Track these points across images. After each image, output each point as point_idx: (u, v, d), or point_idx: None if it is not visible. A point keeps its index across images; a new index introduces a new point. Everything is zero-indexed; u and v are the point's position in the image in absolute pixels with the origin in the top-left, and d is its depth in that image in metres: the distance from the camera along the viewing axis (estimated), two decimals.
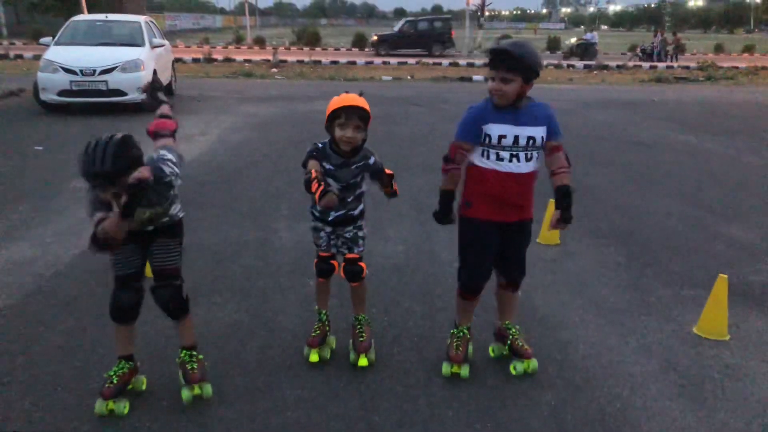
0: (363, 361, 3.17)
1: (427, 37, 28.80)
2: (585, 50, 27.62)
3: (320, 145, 2.95)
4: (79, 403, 2.81)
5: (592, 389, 3.03)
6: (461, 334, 3.18)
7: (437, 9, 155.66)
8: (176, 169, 2.67)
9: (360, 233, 3.15)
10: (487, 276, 3.08)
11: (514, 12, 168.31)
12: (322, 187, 2.65)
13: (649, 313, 3.83)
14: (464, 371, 3.09)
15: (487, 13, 42.92)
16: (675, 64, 25.49)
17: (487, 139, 2.81)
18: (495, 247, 2.99)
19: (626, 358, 3.32)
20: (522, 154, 2.81)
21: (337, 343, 3.34)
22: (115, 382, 2.74)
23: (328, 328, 3.28)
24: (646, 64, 25.46)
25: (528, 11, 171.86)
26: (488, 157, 2.83)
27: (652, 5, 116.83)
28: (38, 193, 6.06)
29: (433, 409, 2.85)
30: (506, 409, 2.87)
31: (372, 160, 2.97)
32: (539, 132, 2.80)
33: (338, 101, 2.83)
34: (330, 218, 3.06)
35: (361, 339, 3.20)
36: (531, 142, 2.80)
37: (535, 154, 2.84)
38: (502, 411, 2.85)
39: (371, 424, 2.74)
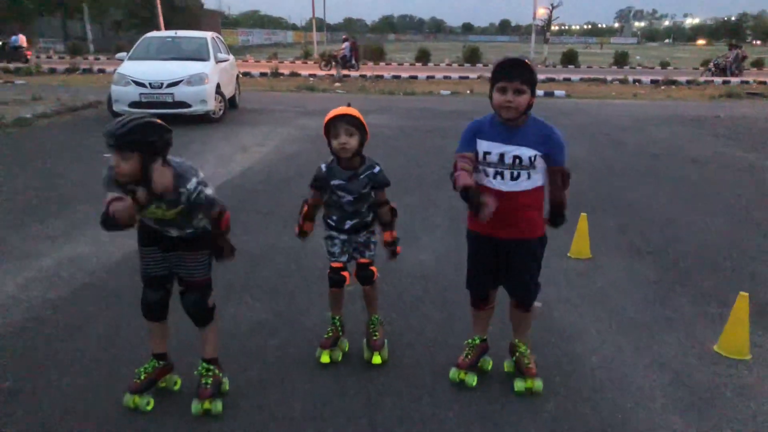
0: (377, 359, 3.33)
1: None
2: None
3: (323, 169, 3.14)
4: (110, 387, 3.08)
5: (596, 400, 3.06)
6: (473, 343, 3.24)
7: (505, 23, 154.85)
8: (193, 194, 2.64)
9: (372, 238, 3.31)
10: (484, 286, 3.13)
11: (585, 26, 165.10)
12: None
13: (670, 329, 3.80)
14: (470, 379, 3.13)
15: (554, 27, 42.45)
16: (751, 80, 24.43)
17: (476, 155, 2.86)
18: (490, 260, 3.03)
19: (637, 371, 3.32)
20: (507, 173, 2.81)
21: (351, 345, 3.49)
22: (142, 378, 2.93)
23: (341, 332, 3.43)
24: (718, 80, 24.52)
25: (599, 25, 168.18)
26: (477, 171, 2.88)
27: (732, 18, 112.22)
28: (100, 197, 6.49)
29: (434, 410, 2.96)
30: (507, 414, 2.94)
31: (377, 170, 3.11)
32: (527, 153, 2.78)
33: (328, 115, 3.01)
34: (346, 227, 3.23)
35: (375, 337, 3.37)
36: (517, 161, 2.79)
37: (524, 173, 2.80)
38: (501, 416, 2.92)
39: (372, 421, 2.88)
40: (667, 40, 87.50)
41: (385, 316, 3.67)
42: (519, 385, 3.10)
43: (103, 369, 3.25)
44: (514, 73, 2.73)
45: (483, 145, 2.84)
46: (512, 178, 2.82)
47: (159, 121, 2.62)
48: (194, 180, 2.67)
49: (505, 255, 2.98)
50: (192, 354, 3.11)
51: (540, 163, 2.82)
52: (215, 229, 2.80)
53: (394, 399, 3.03)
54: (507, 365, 3.30)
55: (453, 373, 3.18)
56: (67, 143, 9.74)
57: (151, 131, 2.57)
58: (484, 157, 2.84)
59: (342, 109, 3.03)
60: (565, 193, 2.93)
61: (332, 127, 3.01)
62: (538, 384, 3.09)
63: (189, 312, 2.95)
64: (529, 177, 2.82)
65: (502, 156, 2.80)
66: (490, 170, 2.85)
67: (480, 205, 2.61)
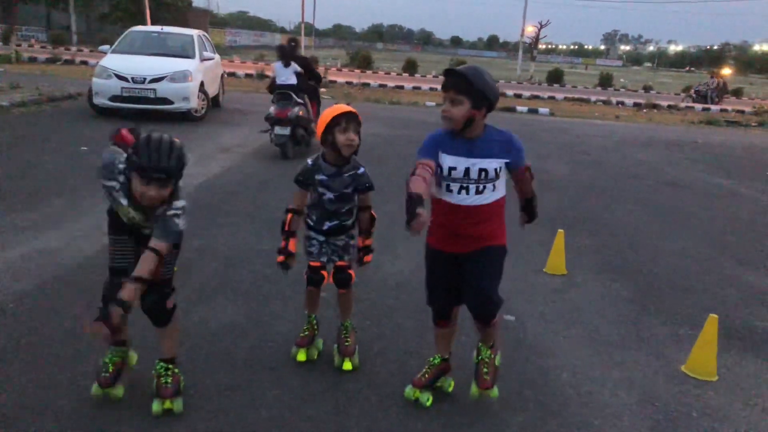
0: (347, 365, 3.31)
1: None
2: None
3: (310, 163, 3.13)
4: (71, 382, 3.01)
5: (564, 415, 3.06)
6: (433, 362, 3.17)
7: (493, 39, 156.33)
8: (169, 212, 2.62)
9: (351, 242, 3.29)
10: (443, 303, 3.05)
11: (572, 47, 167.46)
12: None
13: (640, 348, 3.83)
14: (424, 398, 3.05)
15: (541, 46, 43.01)
16: (729, 108, 24.89)
17: (439, 170, 2.73)
18: (449, 276, 2.94)
19: (606, 389, 3.33)
20: (472, 187, 2.74)
21: (324, 347, 3.47)
22: (111, 370, 2.88)
23: (316, 330, 3.44)
24: (699, 106, 24.95)
25: (585, 47, 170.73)
26: (440, 186, 2.80)
27: (715, 47, 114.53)
28: (75, 190, 6.41)
29: (402, 419, 2.93)
30: (474, 426, 2.92)
31: (361, 170, 3.12)
32: (493, 164, 2.72)
33: (337, 109, 3.03)
34: (324, 227, 3.21)
35: (347, 344, 3.34)
36: (483, 174, 2.72)
37: (489, 186, 2.76)
38: (469, 428, 2.91)
39: (340, 428, 2.84)
40: (688, 68, 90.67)
41: (358, 323, 3.63)
42: (474, 390, 3.06)
43: (65, 364, 3.17)
44: (449, 82, 2.68)
45: (448, 160, 2.73)
46: (477, 192, 2.75)
47: (167, 135, 2.57)
48: (175, 227, 2.64)
49: (466, 267, 2.87)
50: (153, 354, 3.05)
51: (504, 173, 2.81)
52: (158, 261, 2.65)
53: (363, 407, 3.00)
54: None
55: (408, 391, 3.10)
56: (44, 134, 9.57)
57: (184, 152, 2.56)
58: (450, 173, 2.74)
59: (348, 107, 3.04)
60: (533, 185, 3.03)
61: (341, 122, 2.98)
62: (492, 393, 3.04)
63: (148, 312, 2.86)
64: (494, 189, 2.79)
65: (467, 170, 2.72)
66: (455, 185, 2.76)
67: (414, 215, 2.37)
